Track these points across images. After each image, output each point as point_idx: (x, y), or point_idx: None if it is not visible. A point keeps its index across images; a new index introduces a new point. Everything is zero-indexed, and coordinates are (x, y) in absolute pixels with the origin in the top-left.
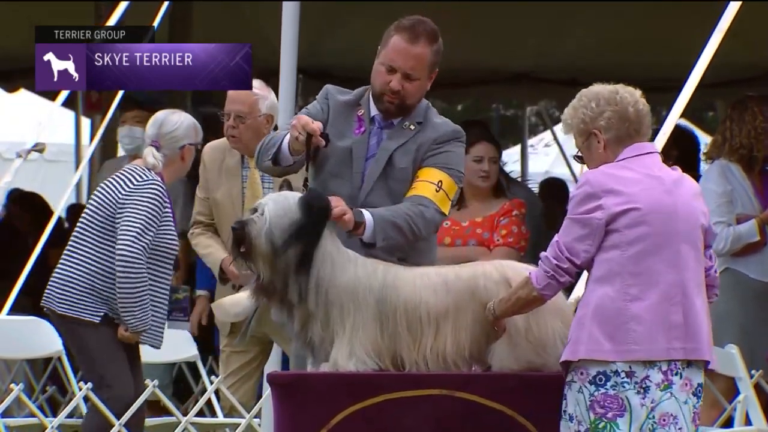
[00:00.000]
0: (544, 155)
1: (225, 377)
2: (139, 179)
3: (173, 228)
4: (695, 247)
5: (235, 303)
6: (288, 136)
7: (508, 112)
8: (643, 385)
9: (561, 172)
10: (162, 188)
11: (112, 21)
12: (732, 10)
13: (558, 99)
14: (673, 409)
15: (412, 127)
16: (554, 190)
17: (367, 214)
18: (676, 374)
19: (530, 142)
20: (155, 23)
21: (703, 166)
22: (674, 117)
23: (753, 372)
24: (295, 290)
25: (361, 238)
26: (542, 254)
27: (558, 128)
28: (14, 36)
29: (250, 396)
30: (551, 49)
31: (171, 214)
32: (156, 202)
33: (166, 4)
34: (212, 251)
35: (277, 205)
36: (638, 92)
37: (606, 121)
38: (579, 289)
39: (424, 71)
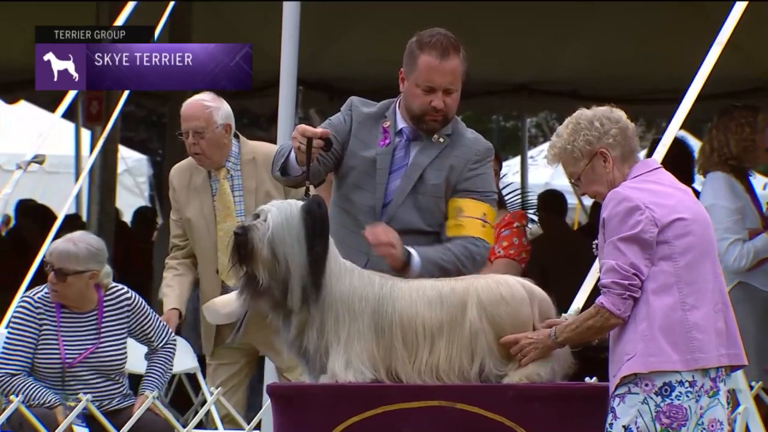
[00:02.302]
0: (544, 166)
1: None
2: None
3: (50, 350)
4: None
5: (227, 303)
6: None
7: (508, 123)
8: (699, 393)
9: (561, 183)
10: (31, 308)
11: (119, 22)
12: (731, 22)
13: (558, 110)
14: (720, 415)
15: (441, 140)
16: (552, 202)
17: (415, 256)
18: (722, 381)
19: (530, 153)
20: (160, 24)
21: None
22: (674, 128)
23: (753, 383)
24: (297, 296)
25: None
26: (605, 281)
27: None
28: (14, 47)
29: (240, 407)
30: (552, 61)
31: (52, 332)
32: (14, 324)
33: (171, 4)
34: (168, 294)
35: (280, 212)
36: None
37: (613, 138)
38: (579, 300)
39: (459, 82)
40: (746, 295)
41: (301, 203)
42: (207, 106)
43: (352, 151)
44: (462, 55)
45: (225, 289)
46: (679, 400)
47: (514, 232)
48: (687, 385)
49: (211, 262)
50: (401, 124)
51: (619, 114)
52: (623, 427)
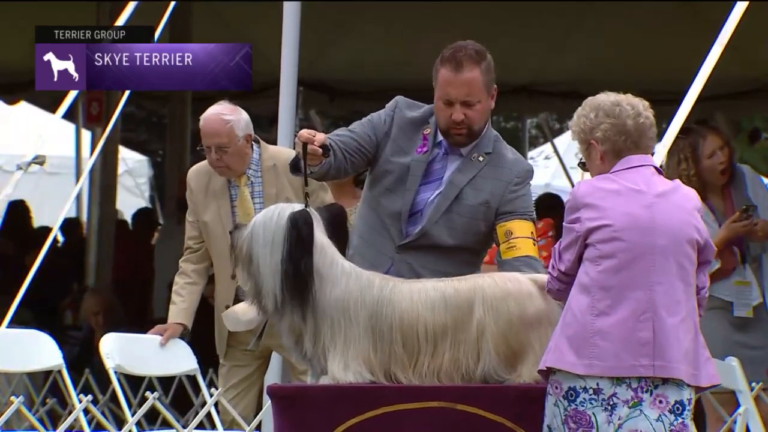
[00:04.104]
0: (544, 167)
1: (225, 390)
2: None
3: None
4: (677, 262)
5: (247, 310)
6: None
7: (508, 124)
8: (611, 402)
9: (561, 184)
10: None
11: (120, 21)
12: (731, 23)
13: (558, 111)
14: (644, 426)
15: (481, 158)
16: (549, 204)
17: None
18: (647, 391)
19: (530, 154)
20: (161, 24)
21: None
22: (674, 130)
23: (753, 384)
24: (270, 300)
25: None
26: None
27: (558, 140)
28: (14, 49)
29: (251, 409)
30: (551, 62)
31: None
32: None
33: (171, 4)
34: (176, 303)
35: (266, 212)
36: (643, 104)
37: (602, 133)
38: None
39: (481, 93)
40: (715, 304)
41: (290, 208)
42: (227, 121)
43: (388, 155)
44: (484, 66)
45: (239, 294)
46: (583, 406)
47: (549, 241)
48: (591, 392)
49: (227, 267)
50: (440, 136)
51: (623, 108)
52: (547, 426)
